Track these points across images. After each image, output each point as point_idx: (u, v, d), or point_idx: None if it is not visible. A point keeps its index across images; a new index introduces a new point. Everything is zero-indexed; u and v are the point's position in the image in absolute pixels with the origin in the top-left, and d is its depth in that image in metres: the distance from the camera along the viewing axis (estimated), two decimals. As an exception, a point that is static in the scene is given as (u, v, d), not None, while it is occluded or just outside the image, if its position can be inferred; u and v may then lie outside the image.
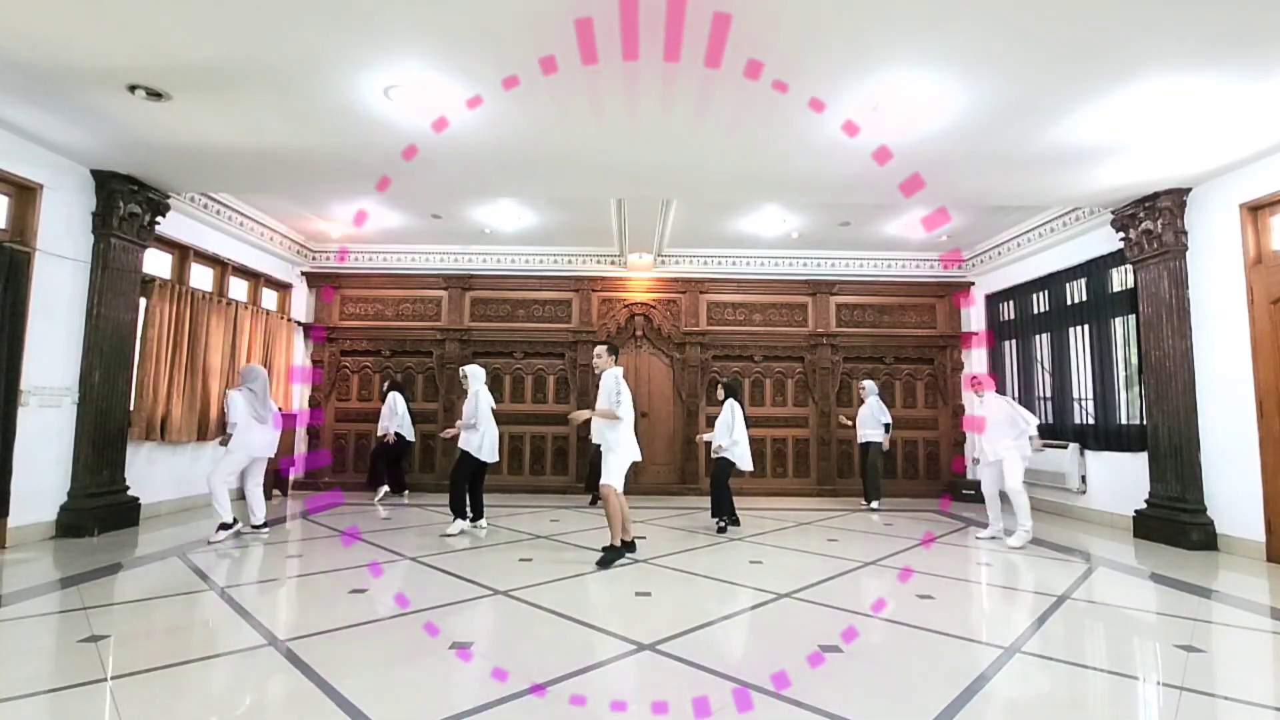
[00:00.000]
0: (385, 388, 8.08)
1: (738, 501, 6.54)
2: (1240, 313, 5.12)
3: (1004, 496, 5.69)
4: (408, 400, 8.05)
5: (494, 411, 5.94)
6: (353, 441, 8.76)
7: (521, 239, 8.47)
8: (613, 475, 4.68)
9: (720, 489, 6.05)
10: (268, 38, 3.48)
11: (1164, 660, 2.96)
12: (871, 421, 7.59)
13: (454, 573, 4.33)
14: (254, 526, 5.44)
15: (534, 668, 2.73)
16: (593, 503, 7.42)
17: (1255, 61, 3.62)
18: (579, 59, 3.59)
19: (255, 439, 5.33)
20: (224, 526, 5.18)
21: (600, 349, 4.98)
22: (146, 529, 5.62)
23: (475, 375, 5.98)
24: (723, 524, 5.98)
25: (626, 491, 4.85)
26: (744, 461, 6.00)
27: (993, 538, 5.64)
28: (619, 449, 4.70)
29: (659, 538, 5.64)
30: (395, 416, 7.73)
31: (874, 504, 7.58)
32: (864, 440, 7.67)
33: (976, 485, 8.25)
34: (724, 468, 6.04)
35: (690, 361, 8.79)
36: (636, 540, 5.06)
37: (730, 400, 6.11)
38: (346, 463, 8.72)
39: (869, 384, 7.84)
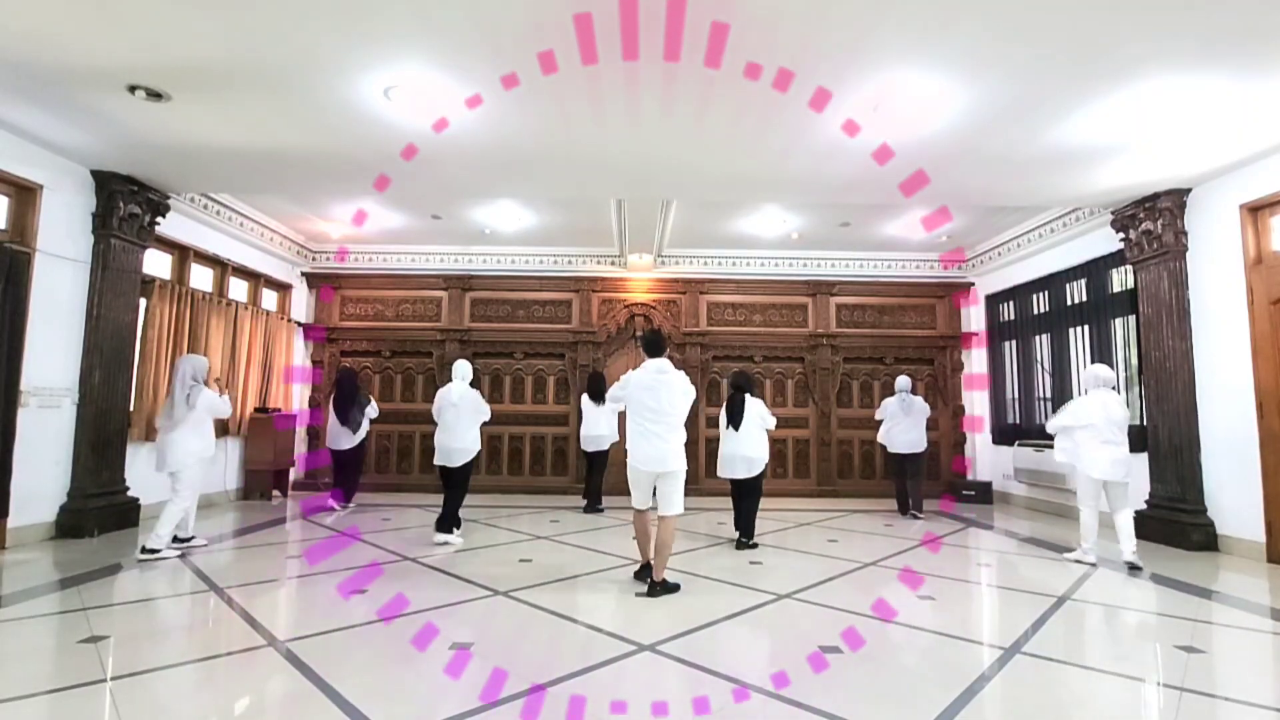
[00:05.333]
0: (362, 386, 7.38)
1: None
2: (1240, 313, 5.12)
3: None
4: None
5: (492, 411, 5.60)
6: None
7: (521, 239, 8.46)
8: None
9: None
10: (268, 38, 3.48)
11: (1164, 661, 2.95)
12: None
13: (454, 573, 4.33)
14: (181, 540, 4.98)
15: (534, 668, 2.73)
16: (587, 509, 7.08)
17: (1255, 61, 3.62)
18: (579, 59, 3.59)
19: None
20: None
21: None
22: (146, 530, 5.57)
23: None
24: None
25: (620, 493, 4.66)
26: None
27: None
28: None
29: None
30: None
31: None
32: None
33: (977, 486, 8.27)
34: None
35: (690, 362, 8.77)
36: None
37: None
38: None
39: (903, 380, 7.30)
